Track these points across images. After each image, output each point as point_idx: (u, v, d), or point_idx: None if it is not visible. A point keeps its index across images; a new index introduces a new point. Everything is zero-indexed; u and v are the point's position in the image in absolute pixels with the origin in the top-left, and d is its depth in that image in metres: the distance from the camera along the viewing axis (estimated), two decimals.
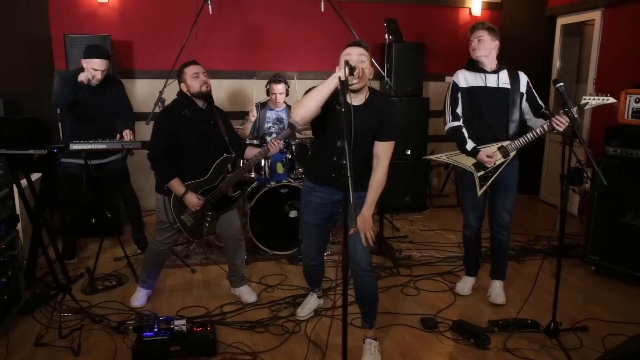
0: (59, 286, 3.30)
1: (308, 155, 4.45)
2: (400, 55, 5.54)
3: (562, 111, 2.96)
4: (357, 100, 2.61)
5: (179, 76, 3.24)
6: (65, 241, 4.16)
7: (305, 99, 2.50)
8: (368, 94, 2.65)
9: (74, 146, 3.47)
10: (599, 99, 3.05)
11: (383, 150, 2.65)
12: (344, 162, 2.00)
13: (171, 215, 3.25)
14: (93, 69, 3.74)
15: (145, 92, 5.41)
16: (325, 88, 2.42)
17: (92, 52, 3.77)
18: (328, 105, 2.48)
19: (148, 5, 5.36)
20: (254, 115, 4.54)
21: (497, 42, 3.26)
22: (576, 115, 2.82)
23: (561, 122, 2.97)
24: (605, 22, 5.24)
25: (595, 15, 5.34)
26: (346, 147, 2.03)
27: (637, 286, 3.77)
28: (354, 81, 2.45)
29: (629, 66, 4.87)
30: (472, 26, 3.34)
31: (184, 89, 3.24)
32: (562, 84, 2.79)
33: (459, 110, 3.33)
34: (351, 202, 1.94)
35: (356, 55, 2.54)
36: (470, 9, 6.20)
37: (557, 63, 6.05)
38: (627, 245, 3.79)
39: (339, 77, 2.31)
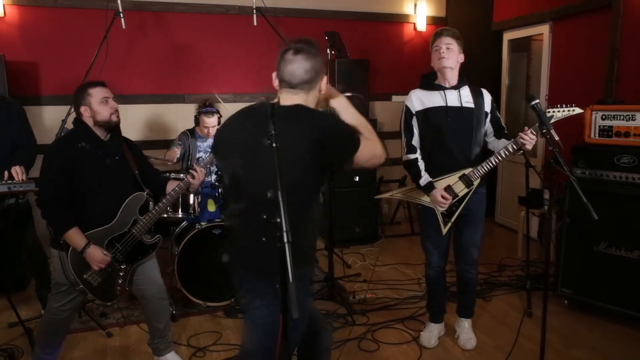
0: None
1: None
2: (344, 73, 5.08)
3: (526, 128, 2.64)
4: None
5: (79, 98, 2.59)
6: None
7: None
8: None
9: None
10: (564, 111, 2.70)
11: None
12: (278, 220, 1.39)
13: (71, 275, 2.59)
14: None
15: (53, 121, 4.67)
16: None
17: None
18: None
19: (54, 20, 4.64)
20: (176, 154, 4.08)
21: (462, 56, 2.83)
22: (551, 130, 2.43)
23: (529, 139, 2.64)
24: (554, 36, 5.01)
25: (543, 29, 5.12)
26: (280, 199, 1.40)
27: (615, 322, 3.40)
28: None
29: (581, 80, 4.63)
30: (438, 32, 2.85)
31: (85, 114, 2.60)
32: (537, 100, 2.39)
33: (415, 142, 2.90)
34: (290, 280, 1.33)
35: None
36: (414, 24, 5.85)
37: (505, 79, 5.79)
38: (602, 276, 3.42)
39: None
